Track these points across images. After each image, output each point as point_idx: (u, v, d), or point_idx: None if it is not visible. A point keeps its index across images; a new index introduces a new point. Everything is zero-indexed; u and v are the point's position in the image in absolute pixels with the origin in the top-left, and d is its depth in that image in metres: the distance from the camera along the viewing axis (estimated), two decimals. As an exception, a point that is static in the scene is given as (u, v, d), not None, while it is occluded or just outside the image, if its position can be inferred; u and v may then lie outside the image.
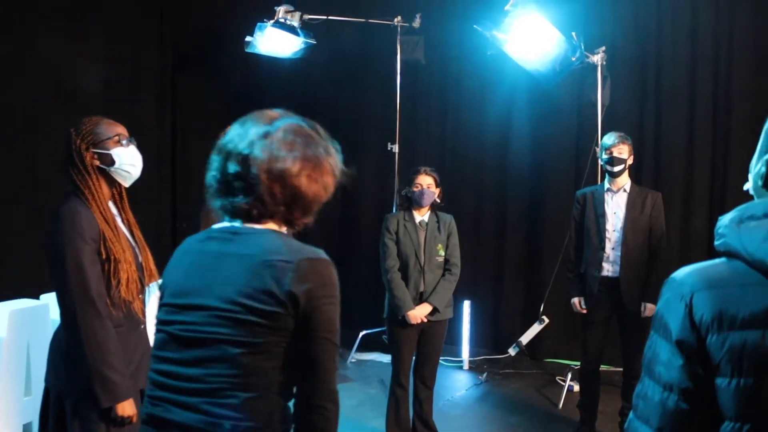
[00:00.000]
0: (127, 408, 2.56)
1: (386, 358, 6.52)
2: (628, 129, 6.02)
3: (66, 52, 6.19)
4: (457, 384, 6.19)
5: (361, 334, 6.84)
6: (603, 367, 5.03)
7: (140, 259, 2.82)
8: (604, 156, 4.83)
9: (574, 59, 5.44)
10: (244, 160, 1.64)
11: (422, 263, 4.48)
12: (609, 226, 4.84)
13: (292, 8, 6.36)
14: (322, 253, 1.68)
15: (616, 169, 4.78)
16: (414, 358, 4.58)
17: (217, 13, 7.86)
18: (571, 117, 6.77)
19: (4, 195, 5.62)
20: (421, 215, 4.55)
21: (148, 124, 7.16)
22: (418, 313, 4.39)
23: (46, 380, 2.68)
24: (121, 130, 2.78)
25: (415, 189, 4.48)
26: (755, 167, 1.47)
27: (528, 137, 6.99)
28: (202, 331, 1.62)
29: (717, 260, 1.44)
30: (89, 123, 2.73)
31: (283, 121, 1.72)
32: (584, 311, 4.93)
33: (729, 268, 1.39)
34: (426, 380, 4.58)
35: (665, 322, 1.41)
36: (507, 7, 5.24)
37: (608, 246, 4.82)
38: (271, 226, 1.72)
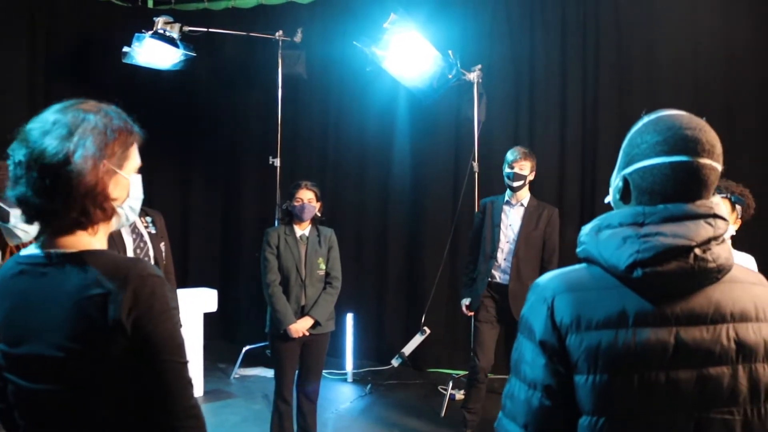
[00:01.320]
0: None
1: (270, 373, 6.45)
2: (503, 143, 6.26)
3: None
4: (341, 396, 6.21)
5: (244, 349, 6.76)
6: (489, 375, 5.16)
7: None
8: (507, 170, 4.95)
9: (450, 76, 5.61)
10: (22, 146, 1.52)
11: (303, 277, 4.48)
12: (502, 237, 4.99)
13: (171, 19, 6.27)
14: (140, 268, 1.52)
15: (516, 184, 4.93)
16: (297, 371, 4.58)
17: (94, 22, 7.61)
18: (450, 132, 6.95)
19: None
20: (302, 229, 4.57)
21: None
22: (300, 327, 4.39)
23: None
24: None
25: (296, 203, 4.49)
26: (614, 181, 1.60)
27: (408, 152, 7.13)
28: (43, 381, 1.52)
29: (578, 266, 1.55)
30: None
31: (73, 110, 1.57)
32: (469, 314, 5.10)
33: (588, 273, 1.51)
34: (309, 394, 4.57)
35: (530, 324, 1.51)
36: (385, 25, 5.34)
37: (500, 256, 4.98)
38: (80, 236, 1.56)
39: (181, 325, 1.58)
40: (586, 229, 1.56)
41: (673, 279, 1.40)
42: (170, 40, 6.24)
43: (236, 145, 7.82)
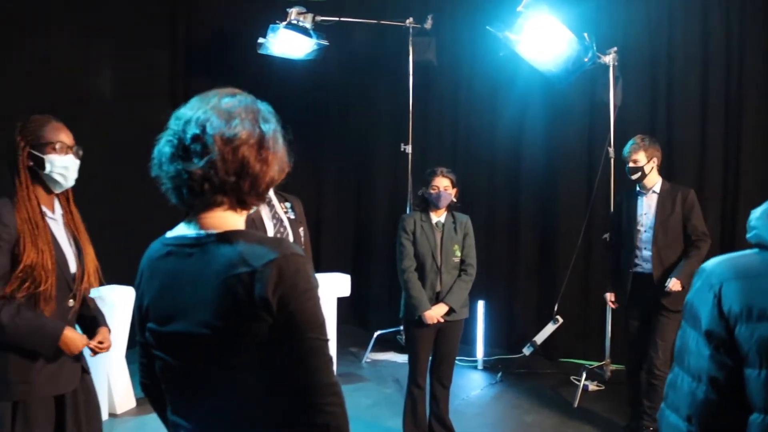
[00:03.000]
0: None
1: (401, 358, 6.55)
2: (639, 129, 6.04)
3: (77, 56, 6.19)
4: (472, 383, 6.21)
5: (376, 334, 6.86)
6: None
7: (72, 264, 2.80)
8: (627, 165, 4.90)
9: (586, 60, 5.45)
10: (203, 123, 1.57)
11: (439, 264, 4.49)
12: (640, 227, 4.89)
13: (304, 10, 6.41)
14: (284, 247, 1.55)
15: (634, 177, 4.84)
16: (430, 357, 4.61)
17: (230, 15, 7.89)
18: (584, 117, 6.77)
19: None
20: (438, 216, 4.57)
21: (162, 128, 7.14)
22: (435, 313, 4.40)
23: None
24: (65, 137, 2.78)
25: (432, 191, 4.49)
26: None
27: (541, 137, 7.00)
28: (190, 358, 1.59)
29: (748, 251, 1.44)
30: (35, 122, 2.74)
31: (240, 96, 1.66)
32: (614, 306, 5.13)
33: (760, 259, 1.40)
34: (443, 380, 4.59)
35: (695, 311, 1.43)
36: (519, 8, 5.26)
37: (640, 245, 4.88)
38: (227, 215, 1.63)
39: None
40: (756, 212, 1.45)
41: None
42: (304, 30, 6.38)
43: (368, 133, 7.91)
